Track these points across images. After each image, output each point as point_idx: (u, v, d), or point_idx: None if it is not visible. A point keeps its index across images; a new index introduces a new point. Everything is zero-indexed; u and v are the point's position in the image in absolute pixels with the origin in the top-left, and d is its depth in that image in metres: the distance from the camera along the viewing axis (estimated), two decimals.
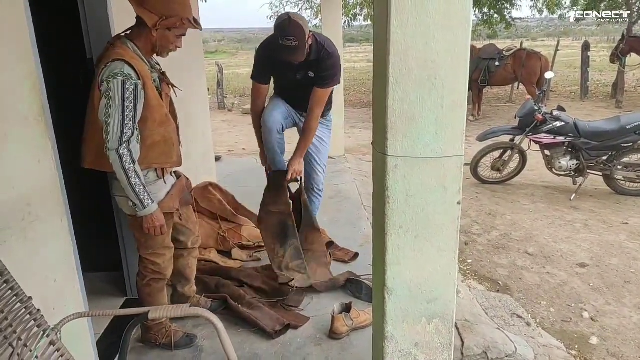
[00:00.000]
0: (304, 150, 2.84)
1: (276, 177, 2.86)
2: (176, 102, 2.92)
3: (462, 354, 2.21)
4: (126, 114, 1.72)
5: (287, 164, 2.85)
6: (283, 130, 2.94)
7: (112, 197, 2.04)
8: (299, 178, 2.88)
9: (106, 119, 1.71)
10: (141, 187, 1.81)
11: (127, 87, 1.71)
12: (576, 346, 2.51)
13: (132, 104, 1.73)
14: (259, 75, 2.77)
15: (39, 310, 1.36)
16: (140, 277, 2.11)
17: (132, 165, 1.76)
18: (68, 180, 1.74)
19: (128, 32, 1.87)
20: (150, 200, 1.85)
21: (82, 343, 1.82)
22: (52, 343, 1.36)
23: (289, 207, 2.81)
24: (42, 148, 1.57)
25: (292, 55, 2.48)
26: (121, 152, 1.73)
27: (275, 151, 2.88)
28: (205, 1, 9.22)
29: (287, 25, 2.41)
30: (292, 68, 2.65)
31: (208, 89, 4.25)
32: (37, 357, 1.28)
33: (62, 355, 1.37)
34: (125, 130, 1.73)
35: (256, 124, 2.91)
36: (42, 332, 1.34)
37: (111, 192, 1.98)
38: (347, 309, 2.35)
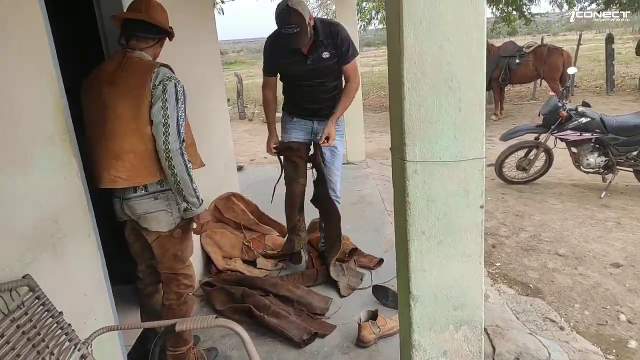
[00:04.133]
0: (340, 113, 2.82)
1: (290, 148, 2.92)
2: (198, 114, 2.97)
3: None
4: (180, 114, 1.76)
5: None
6: None
7: (139, 220, 1.89)
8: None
9: (165, 120, 1.73)
10: (196, 184, 1.83)
11: (178, 89, 1.77)
12: (614, 350, 2.42)
13: (183, 105, 1.79)
14: (267, 69, 2.85)
15: (69, 324, 1.40)
16: (176, 296, 2.00)
17: (189, 163, 1.80)
18: (93, 196, 1.77)
19: (133, 46, 1.86)
20: (201, 197, 1.88)
21: (113, 355, 1.85)
22: (83, 356, 1.38)
23: (305, 179, 2.98)
24: (67, 165, 1.62)
25: (296, 41, 2.52)
26: (183, 151, 1.76)
27: None
28: (222, 13, 9.38)
29: (286, 14, 2.45)
30: (301, 55, 2.67)
31: (228, 100, 4.30)
32: None
33: None
34: (181, 130, 1.76)
35: (265, 103, 2.95)
36: (73, 346, 1.37)
37: (141, 214, 1.86)
38: (373, 316, 2.33)
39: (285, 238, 3.25)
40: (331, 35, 2.64)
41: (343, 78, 2.83)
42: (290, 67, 2.77)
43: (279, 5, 2.52)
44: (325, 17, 13.40)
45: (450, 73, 1.15)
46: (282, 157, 2.98)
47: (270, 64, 2.83)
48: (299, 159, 2.92)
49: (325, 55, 2.67)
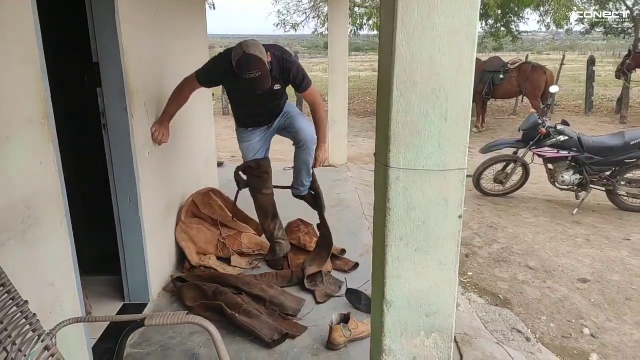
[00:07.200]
0: (324, 137, 2.93)
1: (249, 167, 3.05)
2: (183, 108, 2.91)
3: None
4: None
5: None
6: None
7: None
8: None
9: None
10: None
11: None
12: None
13: None
14: (206, 81, 2.75)
15: (34, 314, 1.35)
16: None
17: None
18: (68, 183, 1.73)
19: None
20: None
21: (77, 348, 1.81)
22: (46, 348, 1.34)
23: (271, 189, 3.13)
24: (44, 151, 1.57)
25: (259, 84, 2.48)
26: None
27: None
28: (213, 8, 9.29)
29: (245, 61, 2.40)
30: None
31: (212, 94, 4.26)
32: None
33: None
34: None
35: (177, 96, 2.75)
36: (36, 337, 1.33)
37: None
38: (345, 319, 2.33)
39: (262, 237, 3.31)
40: (283, 70, 2.65)
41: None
42: (241, 94, 2.77)
43: (235, 52, 2.45)
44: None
45: (438, 83, 1.16)
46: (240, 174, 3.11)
47: (213, 81, 2.80)
48: (262, 174, 3.04)
49: (277, 87, 2.69)
